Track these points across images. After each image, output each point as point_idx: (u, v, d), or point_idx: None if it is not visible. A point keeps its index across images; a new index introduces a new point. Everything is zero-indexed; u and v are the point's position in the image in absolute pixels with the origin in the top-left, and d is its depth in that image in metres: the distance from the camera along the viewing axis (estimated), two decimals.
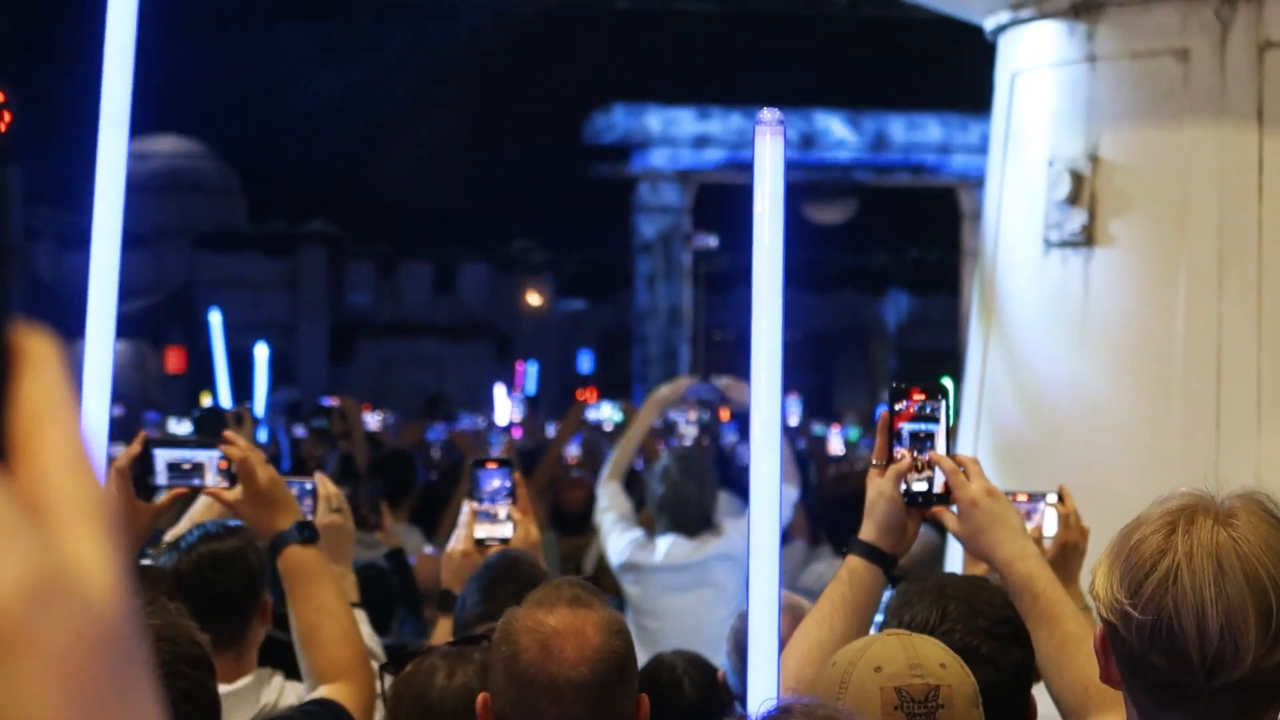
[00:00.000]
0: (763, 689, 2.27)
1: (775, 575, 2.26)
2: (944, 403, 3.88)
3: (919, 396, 3.87)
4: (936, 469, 3.82)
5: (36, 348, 0.79)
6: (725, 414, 14.93)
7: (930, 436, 3.84)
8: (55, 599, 0.74)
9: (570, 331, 31.40)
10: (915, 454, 3.82)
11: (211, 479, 4.42)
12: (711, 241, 27.78)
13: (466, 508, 5.29)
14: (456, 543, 5.28)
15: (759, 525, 2.23)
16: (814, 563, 8.90)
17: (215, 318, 10.37)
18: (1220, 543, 2.33)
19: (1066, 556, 4.97)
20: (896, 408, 3.82)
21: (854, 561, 3.81)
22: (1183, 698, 2.34)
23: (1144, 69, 7.88)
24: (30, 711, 0.73)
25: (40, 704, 0.73)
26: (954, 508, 3.83)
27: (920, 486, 3.82)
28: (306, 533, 4.35)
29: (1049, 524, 5.14)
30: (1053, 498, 5.19)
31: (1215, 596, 2.30)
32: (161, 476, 4.43)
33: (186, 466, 4.42)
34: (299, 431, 12.95)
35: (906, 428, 3.84)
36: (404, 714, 3.79)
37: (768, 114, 2.36)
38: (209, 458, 4.40)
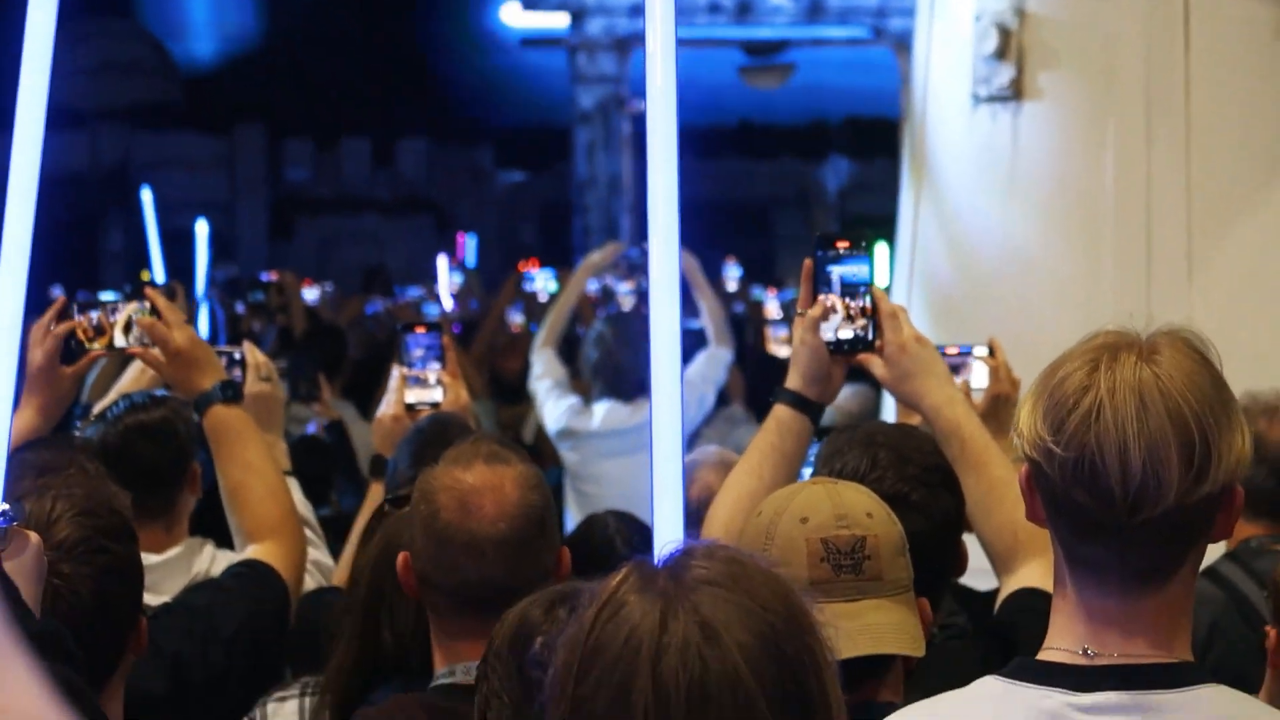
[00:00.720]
0: (668, 535, 2.28)
1: (677, 418, 2.27)
2: (869, 252, 3.89)
3: (843, 244, 3.87)
4: (861, 316, 3.83)
5: None
6: None
7: (859, 285, 3.85)
8: None
9: (510, 204, 31.30)
10: (846, 301, 3.83)
11: (132, 340, 4.41)
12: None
13: (396, 372, 5.29)
14: (386, 408, 5.28)
15: (659, 370, 2.24)
16: (750, 425, 8.95)
17: (146, 195, 10.30)
18: (1143, 379, 2.32)
19: (998, 408, 4.99)
20: (820, 255, 3.83)
21: (780, 410, 3.83)
22: (1105, 534, 2.34)
23: None
24: None
25: None
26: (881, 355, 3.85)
27: (846, 334, 3.83)
28: (229, 391, 4.35)
29: (978, 377, 5.17)
30: (982, 350, 5.21)
31: (1138, 432, 2.30)
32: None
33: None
34: (239, 308, 12.91)
35: (835, 275, 3.84)
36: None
37: None
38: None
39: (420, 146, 30.78)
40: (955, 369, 4.87)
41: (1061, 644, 2.41)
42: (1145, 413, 2.30)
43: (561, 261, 27.44)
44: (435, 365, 5.28)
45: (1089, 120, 7.78)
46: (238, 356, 5.01)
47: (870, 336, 3.82)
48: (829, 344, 3.82)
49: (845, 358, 3.85)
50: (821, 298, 3.83)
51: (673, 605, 1.91)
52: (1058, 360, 2.43)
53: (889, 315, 3.83)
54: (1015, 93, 7.88)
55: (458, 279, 12.90)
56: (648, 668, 1.89)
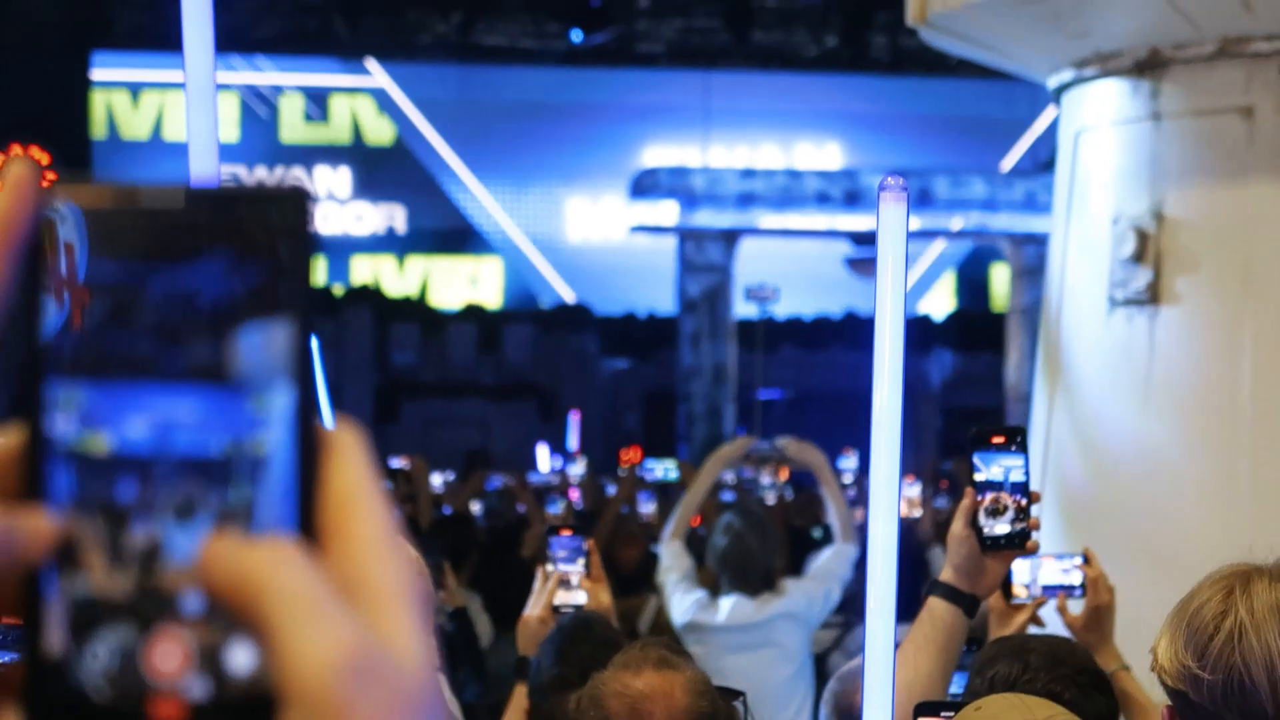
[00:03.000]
0: None
1: (891, 631, 2.23)
2: (1024, 448, 3.88)
3: (998, 440, 3.87)
4: (1015, 512, 3.82)
5: (342, 437, 0.86)
6: (784, 473, 14.88)
7: (1014, 482, 3.84)
8: (371, 673, 0.80)
9: (614, 389, 31.41)
10: (994, 496, 3.83)
11: None
12: (763, 299, 27.80)
13: (541, 573, 5.30)
14: (532, 609, 5.27)
15: (876, 582, 2.21)
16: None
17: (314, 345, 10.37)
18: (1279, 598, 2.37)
19: (1100, 618, 4.96)
20: (975, 450, 3.83)
21: (933, 602, 3.82)
22: None
23: (1208, 127, 7.85)
24: None
25: None
26: (1034, 555, 3.85)
27: (1001, 529, 3.81)
28: None
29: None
30: (1079, 560, 5.17)
31: None
32: None
33: None
34: None
35: (989, 470, 3.84)
36: None
37: (891, 181, 2.36)
38: None
39: (526, 331, 30.99)
40: (1052, 582, 4.91)
41: None
42: None
43: (665, 449, 27.53)
44: (578, 567, 5.30)
45: (1226, 326, 7.72)
46: None
47: (1024, 532, 3.80)
48: (984, 539, 3.80)
49: (999, 553, 3.84)
50: (974, 492, 3.82)
51: None
52: (1187, 596, 2.47)
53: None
54: (1152, 296, 7.85)
55: (578, 470, 12.92)
56: None
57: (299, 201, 0.90)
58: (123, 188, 0.87)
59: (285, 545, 0.82)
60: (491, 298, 32.72)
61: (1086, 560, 5.12)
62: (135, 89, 32.08)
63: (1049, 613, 4.93)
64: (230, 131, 31.86)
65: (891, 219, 2.34)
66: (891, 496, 2.30)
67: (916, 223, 26.91)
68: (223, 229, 0.87)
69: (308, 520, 0.84)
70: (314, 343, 0.87)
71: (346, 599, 0.82)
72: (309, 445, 0.85)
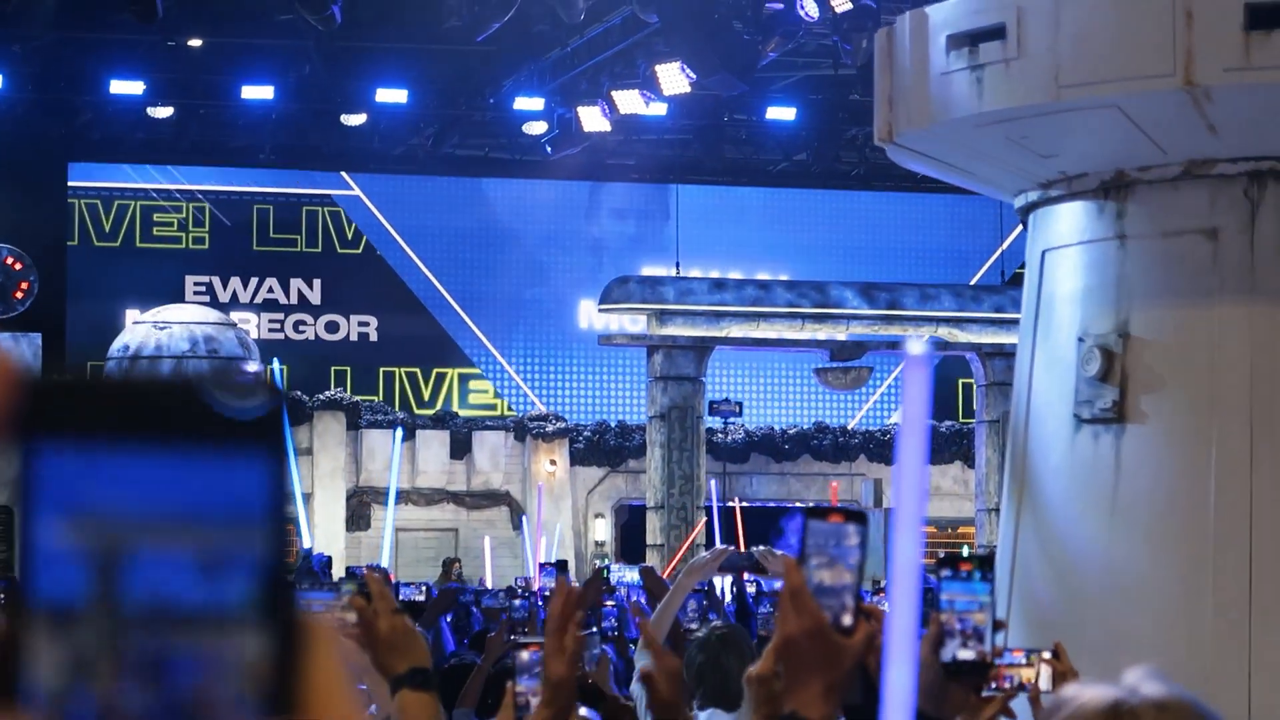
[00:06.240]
0: None
1: None
2: (988, 577, 3.91)
3: (965, 567, 3.90)
4: (977, 639, 3.84)
5: (320, 630, 0.92)
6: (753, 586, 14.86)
7: (977, 608, 3.87)
8: None
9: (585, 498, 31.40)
10: (958, 623, 3.85)
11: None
12: (729, 413, 27.83)
13: (509, 689, 5.30)
14: None
15: (893, 694, 2.26)
16: None
17: None
18: None
19: None
20: (942, 580, 3.86)
21: None
22: None
23: (1174, 247, 7.96)
24: None
25: None
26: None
27: (966, 655, 3.84)
28: (418, 678, 4.45)
29: (1044, 680, 5.19)
30: (1047, 654, 5.22)
31: None
32: None
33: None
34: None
35: (954, 600, 3.87)
36: None
37: (916, 347, 2.42)
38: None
39: (496, 439, 30.98)
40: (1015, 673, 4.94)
41: None
42: None
43: (634, 558, 27.50)
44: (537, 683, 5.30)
45: (1192, 445, 7.80)
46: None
47: (987, 661, 3.83)
48: (945, 664, 3.84)
49: (962, 679, 3.86)
50: (940, 616, 3.85)
51: None
52: None
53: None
54: (1118, 415, 7.92)
55: (548, 579, 12.90)
56: None
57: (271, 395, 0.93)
58: (94, 378, 0.90)
59: None
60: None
61: (1056, 655, 5.16)
62: (108, 196, 32.21)
63: (1020, 704, 4.96)
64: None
65: (915, 386, 2.39)
66: (909, 627, 2.34)
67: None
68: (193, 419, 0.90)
69: (291, 703, 0.89)
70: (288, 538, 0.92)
71: None
72: (290, 635, 0.90)
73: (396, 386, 33.10)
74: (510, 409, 32.89)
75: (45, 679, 0.87)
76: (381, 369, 33.08)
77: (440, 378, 33.42)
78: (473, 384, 33.50)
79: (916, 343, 3.17)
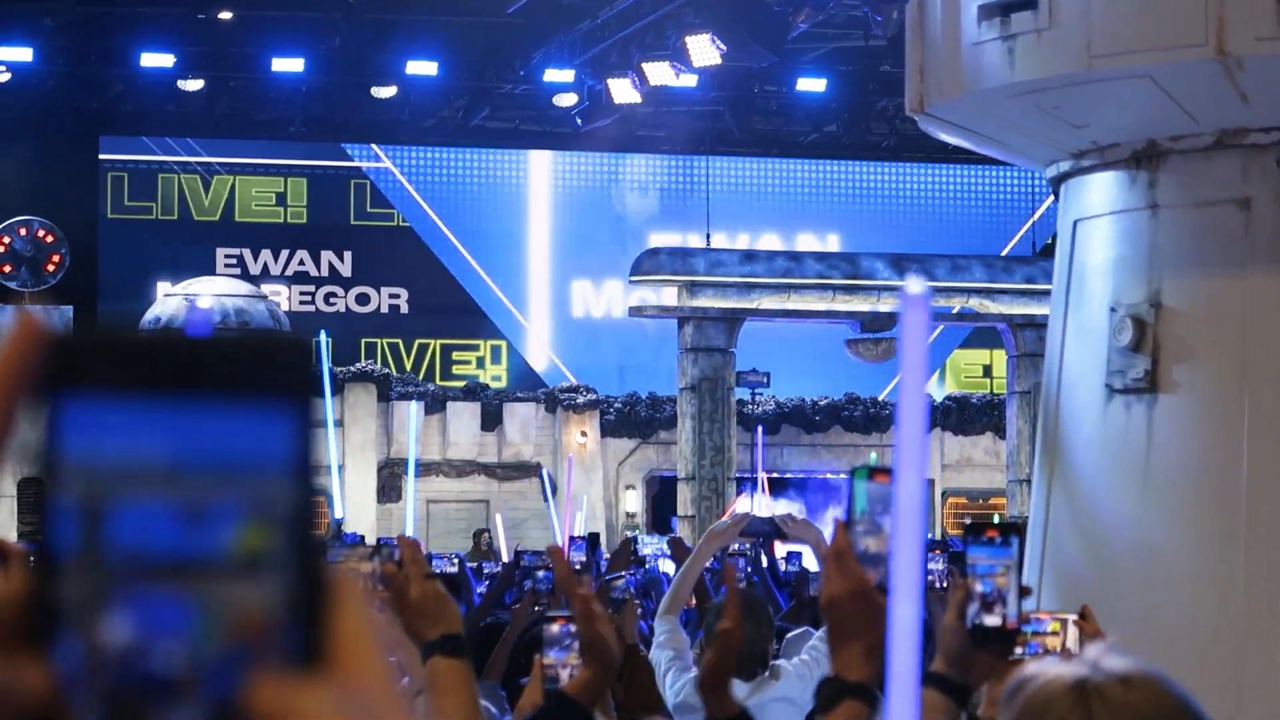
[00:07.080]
0: None
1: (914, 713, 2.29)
2: (1016, 541, 3.91)
3: (992, 534, 3.91)
4: (1003, 604, 3.85)
5: (348, 584, 0.95)
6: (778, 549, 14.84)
7: (1005, 573, 3.87)
8: None
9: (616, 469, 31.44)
10: (982, 590, 3.85)
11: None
12: (756, 383, 27.81)
13: (538, 661, 5.32)
14: (530, 695, 5.30)
15: (899, 662, 2.27)
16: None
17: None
18: None
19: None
20: (970, 546, 3.86)
21: (926, 693, 3.83)
22: None
23: (1205, 217, 7.94)
24: None
25: None
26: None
27: (992, 621, 3.84)
28: (450, 645, 4.43)
29: (1071, 641, 5.18)
30: (1073, 616, 5.21)
31: None
32: None
33: None
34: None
35: (979, 565, 3.87)
36: None
37: (915, 286, 2.41)
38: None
39: (526, 411, 31.03)
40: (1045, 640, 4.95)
41: None
42: None
43: (664, 529, 27.52)
44: (571, 655, 5.30)
45: (1224, 415, 7.78)
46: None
47: (1013, 627, 3.83)
48: (971, 630, 3.84)
49: (989, 645, 3.86)
50: (966, 582, 3.85)
51: None
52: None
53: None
54: (1150, 385, 7.91)
55: (578, 553, 12.92)
56: None
57: (300, 349, 0.93)
58: (123, 333, 0.91)
59: (323, 686, 0.91)
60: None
61: (1083, 616, 5.15)
62: (138, 169, 32.27)
63: None
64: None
65: (913, 325, 2.39)
66: (914, 578, 2.35)
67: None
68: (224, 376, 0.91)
69: (319, 655, 0.91)
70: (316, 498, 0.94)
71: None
72: (317, 587, 0.92)
73: (427, 358, 33.13)
74: (541, 380, 32.92)
75: (73, 630, 0.88)
76: (413, 341, 33.12)
77: (471, 349, 33.45)
78: (504, 356, 33.54)
79: (916, 281, 3.16)
